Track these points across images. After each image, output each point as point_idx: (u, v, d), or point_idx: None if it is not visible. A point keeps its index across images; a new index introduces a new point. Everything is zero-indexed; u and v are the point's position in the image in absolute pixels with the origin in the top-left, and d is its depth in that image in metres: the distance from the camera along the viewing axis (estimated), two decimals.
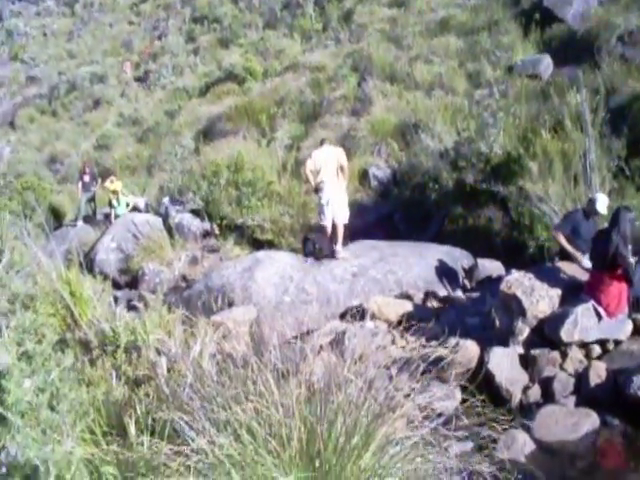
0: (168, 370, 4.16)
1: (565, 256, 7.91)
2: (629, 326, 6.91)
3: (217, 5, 39.43)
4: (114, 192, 16.39)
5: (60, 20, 52.94)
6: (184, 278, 12.29)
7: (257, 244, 13.25)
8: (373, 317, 8.20)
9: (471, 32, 19.58)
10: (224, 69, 28.03)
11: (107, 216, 16.74)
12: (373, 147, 16.02)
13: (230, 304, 9.11)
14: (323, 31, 28.66)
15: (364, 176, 14.96)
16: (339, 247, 10.33)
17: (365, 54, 20.67)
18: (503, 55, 17.43)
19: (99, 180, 17.61)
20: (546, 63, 16.54)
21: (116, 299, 9.77)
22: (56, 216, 18.21)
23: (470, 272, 10.01)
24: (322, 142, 10.77)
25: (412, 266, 9.95)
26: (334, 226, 10.29)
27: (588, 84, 11.87)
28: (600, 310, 6.80)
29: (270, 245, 12.95)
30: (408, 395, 3.68)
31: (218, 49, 34.13)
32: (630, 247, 6.84)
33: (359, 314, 7.90)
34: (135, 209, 16.61)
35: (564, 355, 6.75)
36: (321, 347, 6.44)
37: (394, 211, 13.60)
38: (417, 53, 19.68)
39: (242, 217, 13.62)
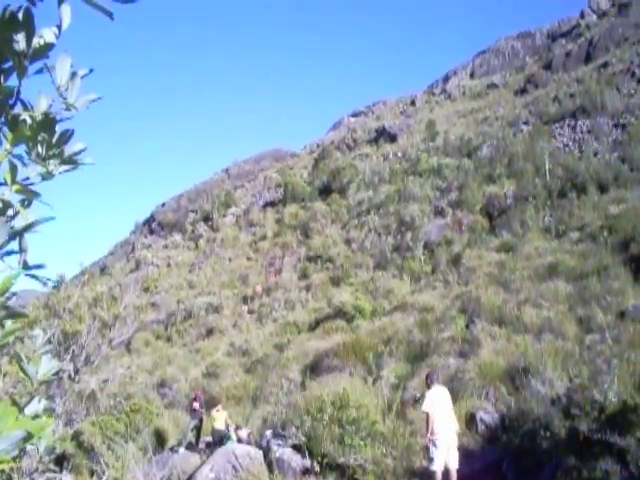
0: None
1: None
2: None
3: (331, 246, 41.73)
4: (238, 428, 16.66)
5: (184, 253, 57.33)
6: None
7: None
8: None
9: (580, 277, 19.65)
10: (334, 306, 28.93)
11: (209, 445, 16.77)
12: (481, 390, 15.66)
13: None
14: (432, 273, 29.54)
15: (471, 420, 14.51)
16: None
17: (473, 296, 20.94)
18: (614, 300, 17.25)
19: (204, 410, 17.94)
20: None
21: None
22: (159, 440, 18.38)
23: None
24: (430, 378, 10.69)
25: None
26: (446, 471, 9.96)
27: None
28: None
29: None
30: None
31: (329, 287, 35.56)
32: None
33: None
34: (238, 440, 16.62)
35: None
36: None
37: (502, 458, 12.92)
38: (525, 297, 19.76)
39: (344, 456, 13.26)
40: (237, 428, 16.74)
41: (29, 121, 1.91)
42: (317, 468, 13.49)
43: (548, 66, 60.89)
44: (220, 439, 16.43)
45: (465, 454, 12.14)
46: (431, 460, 10.05)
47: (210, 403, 18.73)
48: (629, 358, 12.44)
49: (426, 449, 10.33)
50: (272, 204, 59.27)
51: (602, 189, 29.01)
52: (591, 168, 31.25)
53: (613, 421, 10.99)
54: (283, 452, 14.05)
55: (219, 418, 16.91)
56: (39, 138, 1.94)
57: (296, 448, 14.12)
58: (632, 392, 11.00)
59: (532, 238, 26.55)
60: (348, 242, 41.50)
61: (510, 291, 20.87)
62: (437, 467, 9.91)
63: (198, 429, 17.68)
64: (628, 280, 18.19)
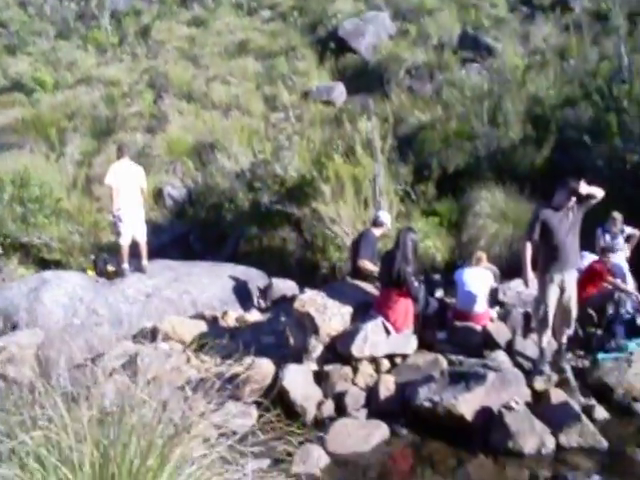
0: None
1: (357, 276, 8.26)
2: (414, 341, 7.30)
3: (3, 8, 37.00)
4: None
5: None
6: None
7: (44, 264, 12.42)
8: (167, 338, 8.00)
9: (269, 56, 20.03)
10: (10, 78, 26.31)
11: None
12: (168, 166, 15.76)
13: (14, 327, 8.54)
14: (119, 45, 27.89)
15: (159, 195, 14.67)
16: (145, 262, 10.10)
17: (162, 71, 20.38)
18: (299, 80, 17.98)
19: None
20: (339, 91, 17.33)
21: None
22: None
23: (265, 292, 10.11)
24: (121, 150, 10.33)
25: (207, 286, 9.88)
26: (136, 244, 10.02)
27: (378, 112, 12.60)
28: (388, 326, 7.14)
29: (58, 265, 12.18)
30: (203, 414, 3.59)
31: (4, 56, 31.99)
32: (414, 266, 7.27)
33: (153, 335, 7.72)
34: None
35: (355, 370, 6.96)
36: (113, 370, 6.13)
37: (189, 231, 13.45)
38: (215, 73, 19.74)
39: (28, 235, 12.73)
40: None
41: None
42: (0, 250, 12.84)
43: None
44: None
45: (153, 228, 12.33)
46: (119, 234, 10.00)
47: None
48: (309, 136, 13.25)
49: (113, 224, 10.21)
50: None
51: None
52: None
53: (292, 194, 11.90)
54: None
55: None
56: None
57: None
58: (310, 167, 11.87)
59: (223, 14, 26.02)
60: (23, 5, 37.07)
61: (199, 67, 20.67)
62: (124, 241, 9.91)
63: None
64: (314, 62, 18.98)
